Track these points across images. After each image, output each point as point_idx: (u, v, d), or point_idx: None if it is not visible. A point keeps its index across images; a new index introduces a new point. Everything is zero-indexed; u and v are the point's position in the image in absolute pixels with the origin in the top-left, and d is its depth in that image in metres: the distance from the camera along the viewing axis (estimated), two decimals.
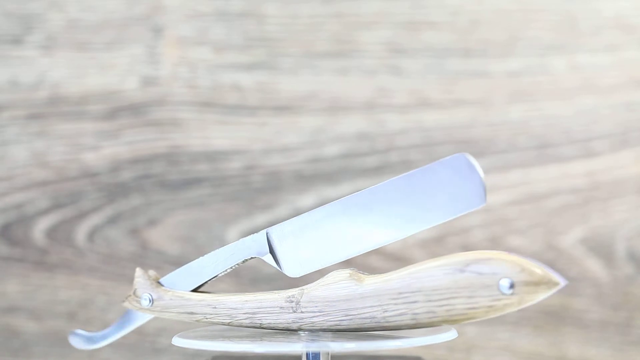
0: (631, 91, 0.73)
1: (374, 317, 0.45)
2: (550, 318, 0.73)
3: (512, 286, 0.43)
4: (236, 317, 0.49)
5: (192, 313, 0.50)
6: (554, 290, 0.43)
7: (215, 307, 0.49)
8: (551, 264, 0.73)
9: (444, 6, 0.74)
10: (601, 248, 0.73)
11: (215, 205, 0.74)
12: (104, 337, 0.54)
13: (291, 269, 0.49)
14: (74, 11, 0.74)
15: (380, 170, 0.73)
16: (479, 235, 0.73)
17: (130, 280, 0.73)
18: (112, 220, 0.74)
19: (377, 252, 0.73)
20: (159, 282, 0.52)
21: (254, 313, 0.49)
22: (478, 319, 0.44)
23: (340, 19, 0.74)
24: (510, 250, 0.73)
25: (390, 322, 0.45)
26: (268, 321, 0.48)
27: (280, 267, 0.49)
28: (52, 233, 0.74)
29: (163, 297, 0.51)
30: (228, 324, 0.49)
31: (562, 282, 0.43)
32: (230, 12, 0.74)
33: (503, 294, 0.43)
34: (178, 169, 0.74)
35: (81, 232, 0.74)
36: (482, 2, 0.74)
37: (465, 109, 0.74)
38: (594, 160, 0.73)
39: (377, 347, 0.46)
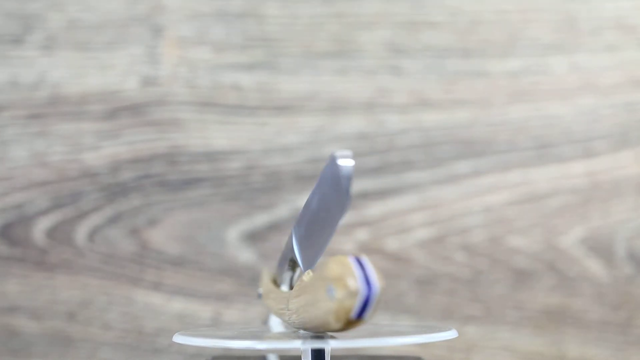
0: (631, 91, 0.73)
1: (304, 318, 0.45)
2: (550, 318, 0.73)
3: (334, 292, 0.42)
4: (278, 312, 0.50)
5: (271, 307, 0.53)
6: (359, 297, 0.42)
7: (275, 302, 0.51)
8: (551, 264, 0.73)
9: (444, 6, 0.74)
10: (601, 248, 0.73)
11: (215, 205, 0.74)
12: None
13: (302, 266, 0.49)
14: (74, 11, 0.74)
15: (380, 170, 0.73)
16: (479, 235, 0.73)
17: (131, 280, 0.74)
18: (112, 220, 0.74)
19: (378, 252, 0.73)
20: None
21: (281, 309, 0.49)
22: (337, 326, 0.43)
23: (340, 19, 0.74)
24: (511, 250, 0.73)
25: (308, 323, 0.45)
26: (285, 317, 0.49)
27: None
28: (52, 233, 0.74)
29: (263, 290, 0.55)
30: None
31: (363, 289, 0.41)
32: (230, 12, 0.74)
33: (332, 299, 0.42)
34: (178, 169, 0.74)
35: (81, 232, 0.74)
36: (482, 2, 0.74)
37: (465, 109, 0.74)
38: (594, 160, 0.73)
39: (376, 344, 0.46)
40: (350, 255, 0.42)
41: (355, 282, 0.41)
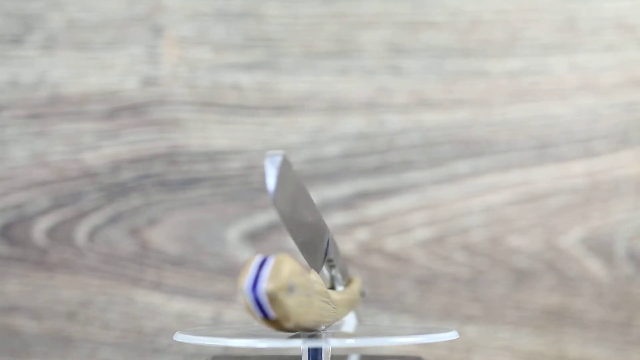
0: (631, 91, 0.74)
1: None
2: (551, 318, 0.73)
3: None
4: None
5: None
6: (248, 297, 0.42)
7: None
8: (551, 264, 0.73)
9: (444, 6, 0.74)
10: (601, 248, 0.73)
11: (215, 205, 0.74)
12: None
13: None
14: (74, 11, 0.74)
15: (380, 170, 0.73)
16: (479, 235, 0.73)
17: (131, 280, 0.74)
18: (112, 220, 0.74)
19: (378, 252, 0.73)
20: None
21: None
22: (267, 325, 0.43)
23: (340, 19, 0.74)
24: (511, 250, 0.73)
25: None
26: None
27: None
28: (52, 233, 0.74)
29: None
30: None
31: (248, 290, 0.41)
32: (230, 12, 0.74)
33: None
34: (178, 169, 0.74)
35: (81, 232, 0.74)
36: (482, 2, 0.74)
37: (465, 109, 0.74)
38: (594, 160, 0.73)
39: (376, 344, 0.46)
40: (259, 255, 0.42)
41: (243, 282, 0.41)
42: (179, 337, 0.48)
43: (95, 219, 0.74)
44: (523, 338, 0.73)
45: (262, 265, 0.41)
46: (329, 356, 0.48)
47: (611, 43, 0.73)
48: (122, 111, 0.74)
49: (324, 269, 0.53)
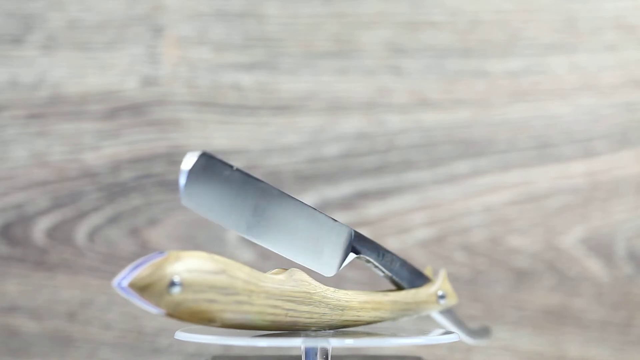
0: (631, 91, 0.74)
1: None
2: (550, 318, 0.73)
3: None
4: None
5: None
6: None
7: None
8: (551, 264, 0.73)
9: (444, 6, 0.74)
10: (601, 248, 0.73)
11: None
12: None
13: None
14: (74, 11, 0.74)
15: (380, 170, 0.73)
16: (479, 235, 0.73)
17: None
18: (112, 220, 0.74)
19: None
20: None
21: None
22: None
23: (340, 19, 0.74)
24: (511, 250, 0.73)
25: None
26: None
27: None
28: (52, 233, 0.74)
29: None
30: None
31: (116, 285, 0.42)
32: (230, 12, 0.74)
33: None
34: (178, 169, 0.74)
35: (81, 232, 0.74)
36: (482, 2, 0.74)
37: (465, 109, 0.74)
38: (594, 160, 0.73)
39: (376, 344, 0.46)
40: (156, 252, 0.42)
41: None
42: (180, 335, 0.48)
43: (95, 219, 0.74)
44: (523, 338, 0.73)
45: (146, 261, 0.42)
46: (329, 356, 0.48)
47: (611, 43, 0.73)
48: (122, 111, 0.74)
49: (379, 272, 0.52)
